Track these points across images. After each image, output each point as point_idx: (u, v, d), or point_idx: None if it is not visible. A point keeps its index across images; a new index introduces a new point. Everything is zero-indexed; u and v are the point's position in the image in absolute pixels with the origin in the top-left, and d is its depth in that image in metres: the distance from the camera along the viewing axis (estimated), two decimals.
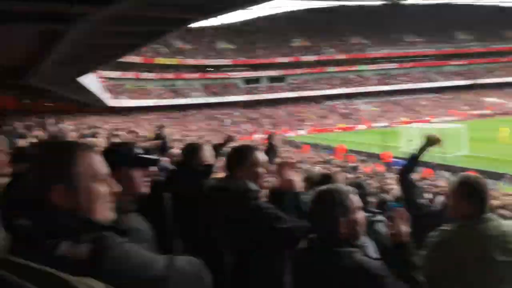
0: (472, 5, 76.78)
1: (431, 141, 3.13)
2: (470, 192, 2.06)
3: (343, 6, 72.87)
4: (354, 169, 15.74)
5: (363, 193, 3.18)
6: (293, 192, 2.26)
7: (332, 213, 1.73)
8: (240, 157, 2.30)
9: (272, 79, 58.78)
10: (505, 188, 14.50)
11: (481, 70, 63.58)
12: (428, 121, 46.36)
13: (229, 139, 4.37)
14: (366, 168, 17.44)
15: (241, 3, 7.21)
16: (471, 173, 2.22)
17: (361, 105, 56.46)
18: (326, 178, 3.36)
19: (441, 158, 22.01)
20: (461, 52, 64.98)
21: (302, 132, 46.74)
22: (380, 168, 18.26)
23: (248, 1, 7.57)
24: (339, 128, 47.64)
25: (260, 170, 2.29)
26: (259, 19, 68.62)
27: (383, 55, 63.07)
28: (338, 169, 11.85)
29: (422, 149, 3.11)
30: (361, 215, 1.79)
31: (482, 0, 76.67)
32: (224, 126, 44.81)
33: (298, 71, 59.83)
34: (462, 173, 2.36)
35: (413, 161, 3.16)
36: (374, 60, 62.64)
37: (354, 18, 68.77)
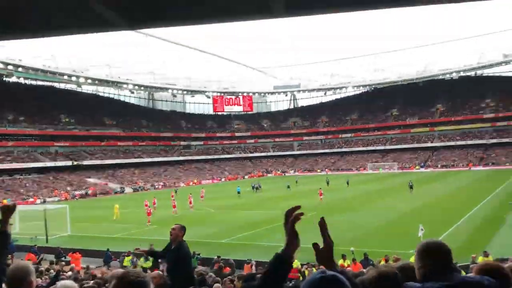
0: (71, 90, 79.96)
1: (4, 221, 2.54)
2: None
3: None
4: None
5: None
6: None
7: None
8: None
9: None
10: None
11: (83, 152, 67.87)
12: (32, 202, 44.99)
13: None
14: None
15: None
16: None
17: None
18: None
19: (43, 241, 21.84)
20: (65, 134, 67.57)
21: None
22: None
23: None
24: None
25: None
26: None
27: None
28: None
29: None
30: None
31: (85, 87, 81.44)
32: None
33: None
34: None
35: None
36: None
37: None
